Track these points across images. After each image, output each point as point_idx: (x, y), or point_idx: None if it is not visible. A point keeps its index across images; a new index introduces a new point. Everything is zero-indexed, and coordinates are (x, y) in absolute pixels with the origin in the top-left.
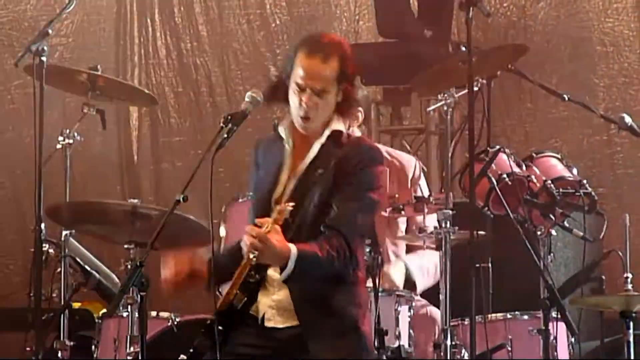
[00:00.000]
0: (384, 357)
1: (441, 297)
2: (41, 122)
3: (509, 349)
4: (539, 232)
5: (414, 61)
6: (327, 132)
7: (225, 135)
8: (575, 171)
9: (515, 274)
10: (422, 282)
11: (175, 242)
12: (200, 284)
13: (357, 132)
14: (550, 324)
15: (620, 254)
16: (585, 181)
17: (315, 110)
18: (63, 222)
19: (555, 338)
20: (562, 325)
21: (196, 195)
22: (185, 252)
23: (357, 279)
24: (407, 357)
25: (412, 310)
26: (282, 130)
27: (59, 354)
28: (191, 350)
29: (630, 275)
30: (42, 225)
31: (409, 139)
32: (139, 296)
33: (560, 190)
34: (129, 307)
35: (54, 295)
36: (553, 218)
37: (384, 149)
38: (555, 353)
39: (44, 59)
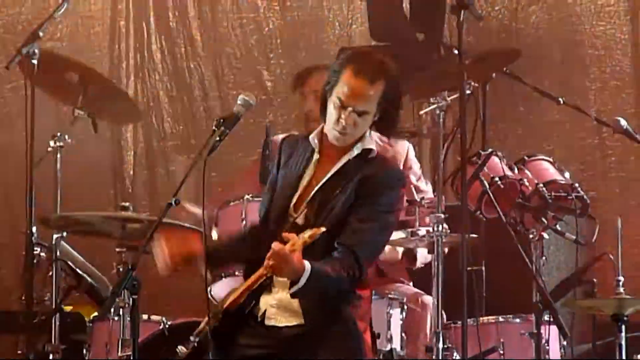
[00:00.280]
0: None
1: (433, 300)
2: (32, 125)
3: (501, 352)
4: (531, 236)
5: (406, 65)
6: (357, 150)
7: (218, 139)
8: (567, 174)
9: (507, 277)
10: (423, 255)
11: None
12: (196, 265)
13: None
14: (543, 327)
15: (612, 257)
16: (577, 184)
17: (353, 128)
18: (54, 226)
19: (547, 341)
20: (554, 328)
21: (189, 199)
22: (177, 234)
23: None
24: None
25: (404, 314)
26: (312, 139)
27: (51, 357)
28: (194, 344)
29: (621, 279)
30: (34, 229)
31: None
32: (130, 299)
33: (553, 193)
34: (121, 310)
35: (46, 298)
36: (545, 221)
37: (375, 135)
38: (547, 356)
39: (34, 61)
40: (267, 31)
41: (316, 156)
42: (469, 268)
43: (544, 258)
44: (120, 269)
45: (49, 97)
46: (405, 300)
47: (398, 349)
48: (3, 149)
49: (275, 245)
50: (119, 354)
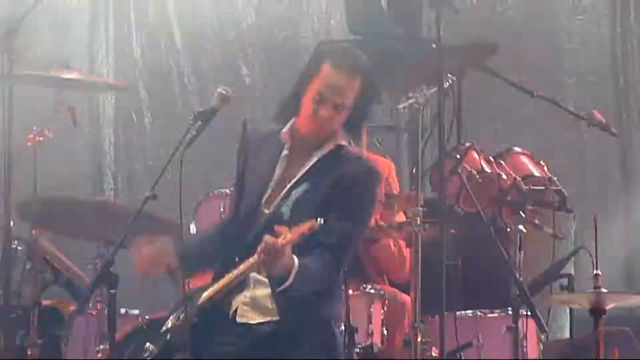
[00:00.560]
0: (354, 354)
1: (412, 294)
2: (10, 120)
3: (477, 345)
4: (508, 230)
5: (384, 59)
6: (330, 146)
7: (195, 133)
8: (545, 168)
9: (485, 272)
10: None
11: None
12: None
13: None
14: (520, 321)
15: (590, 251)
16: (555, 178)
17: (330, 123)
18: (32, 219)
19: (525, 335)
20: (531, 323)
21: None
22: (150, 247)
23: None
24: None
25: (384, 308)
26: (284, 133)
27: (28, 352)
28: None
29: (599, 273)
30: (11, 223)
31: (379, 137)
32: (108, 294)
33: (530, 187)
34: (98, 304)
35: (23, 293)
36: (523, 215)
37: (359, 152)
38: (525, 350)
39: (13, 57)
40: (246, 26)
41: (285, 152)
42: (447, 262)
43: (521, 252)
44: (98, 264)
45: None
46: (385, 294)
47: (378, 343)
48: None
49: (268, 238)
50: (97, 348)
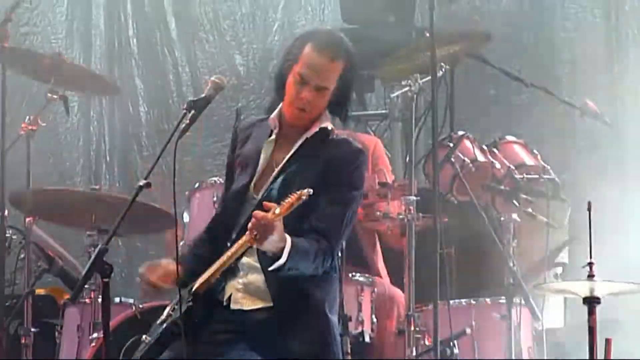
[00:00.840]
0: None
1: (405, 282)
2: (3, 108)
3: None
4: (502, 218)
5: (377, 47)
6: (315, 129)
7: (188, 122)
8: (539, 157)
9: (479, 260)
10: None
11: (139, 228)
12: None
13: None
14: (514, 310)
15: (584, 240)
16: (548, 167)
17: (312, 104)
18: (26, 209)
19: (519, 324)
20: (525, 311)
21: (161, 183)
22: (155, 273)
23: (330, 269)
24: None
25: (374, 295)
26: (272, 119)
27: (22, 341)
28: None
29: (593, 262)
30: (5, 212)
31: (373, 125)
32: (102, 282)
33: (524, 176)
34: (92, 293)
35: (17, 282)
36: (517, 204)
37: (344, 133)
38: (519, 338)
39: (5, 45)
40: (240, 15)
41: (272, 137)
42: (440, 251)
43: (515, 241)
44: (92, 253)
45: (21, 79)
46: (375, 282)
47: (369, 331)
48: None
49: (257, 212)
50: (91, 336)
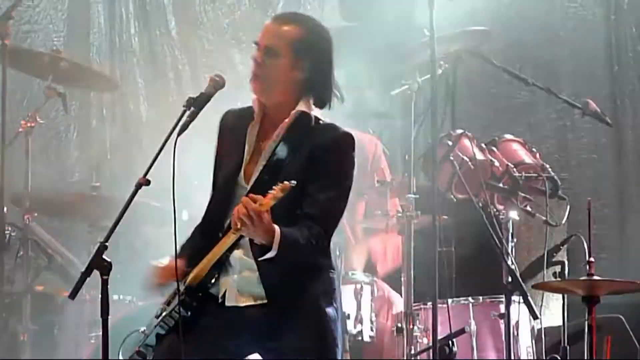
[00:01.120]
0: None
1: (404, 281)
2: (3, 105)
3: (469, 331)
4: (501, 217)
5: (376, 45)
6: (293, 113)
7: (188, 119)
8: (538, 156)
9: (478, 259)
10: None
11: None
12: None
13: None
14: (513, 308)
15: (583, 238)
16: (548, 165)
17: (263, 68)
18: (25, 206)
19: (518, 322)
20: (524, 310)
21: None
22: (162, 270)
23: (325, 264)
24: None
25: (373, 295)
26: (253, 101)
27: (21, 338)
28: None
29: (592, 260)
30: (4, 209)
31: (372, 123)
32: (101, 279)
33: (523, 174)
34: (91, 290)
35: (17, 279)
36: (516, 202)
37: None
38: (518, 337)
39: (6, 42)
40: (239, 14)
41: (253, 122)
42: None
43: (514, 239)
44: (91, 250)
45: (21, 76)
46: (375, 281)
47: (368, 330)
48: None
49: (244, 199)
50: (90, 334)
